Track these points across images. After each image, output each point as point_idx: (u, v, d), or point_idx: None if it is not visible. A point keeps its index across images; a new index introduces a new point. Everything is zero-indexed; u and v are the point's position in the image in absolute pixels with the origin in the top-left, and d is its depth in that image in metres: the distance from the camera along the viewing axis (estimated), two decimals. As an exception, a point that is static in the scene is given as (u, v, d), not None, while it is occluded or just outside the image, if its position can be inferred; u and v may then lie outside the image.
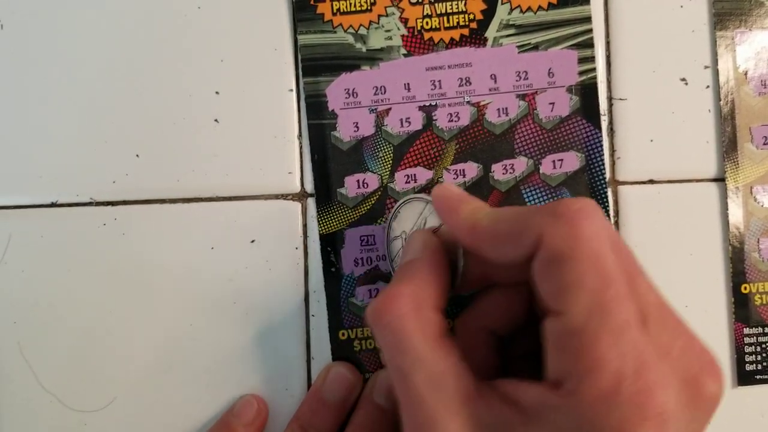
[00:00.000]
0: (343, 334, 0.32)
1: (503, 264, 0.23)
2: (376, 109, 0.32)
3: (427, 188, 0.32)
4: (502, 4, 0.32)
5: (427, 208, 0.29)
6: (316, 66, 0.32)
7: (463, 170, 0.32)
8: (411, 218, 0.30)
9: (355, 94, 0.32)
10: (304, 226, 0.33)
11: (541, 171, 0.32)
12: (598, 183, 0.32)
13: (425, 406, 0.21)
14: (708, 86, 0.33)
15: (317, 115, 0.32)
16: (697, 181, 0.33)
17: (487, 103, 0.32)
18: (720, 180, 0.32)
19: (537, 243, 0.21)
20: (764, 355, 0.32)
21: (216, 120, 0.33)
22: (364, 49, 0.32)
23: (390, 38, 0.32)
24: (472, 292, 0.27)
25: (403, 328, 0.22)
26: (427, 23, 0.32)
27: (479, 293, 0.27)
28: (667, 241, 0.32)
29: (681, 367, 0.20)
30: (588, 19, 0.32)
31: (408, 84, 0.32)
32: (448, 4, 0.32)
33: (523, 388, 0.21)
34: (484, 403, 0.21)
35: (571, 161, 0.32)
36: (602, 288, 0.20)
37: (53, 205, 0.33)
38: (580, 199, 0.21)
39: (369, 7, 0.32)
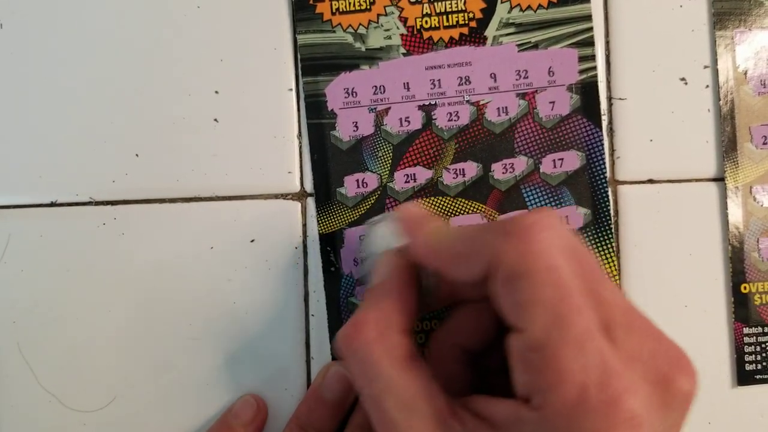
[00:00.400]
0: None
1: (465, 283, 0.23)
2: (375, 108, 0.32)
3: (426, 188, 0.32)
4: (501, 2, 0.32)
5: (395, 226, 0.29)
6: (316, 65, 0.32)
7: (463, 169, 0.32)
8: (379, 238, 0.30)
9: (354, 94, 0.32)
10: (304, 225, 0.33)
11: (541, 170, 0.32)
12: (599, 182, 0.32)
13: (399, 430, 0.21)
14: (707, 86, 0.33)
15: (317, 115, 0.32)
16: (697, 180, 0.33)
17: (487, 102, 0.32)
18: (719, 180, 0.32)
19: (491, 263, 0.21)
20: (764, 354, 0.32)
21: (215, 120, 0.33)
22: (363, 49, 0.32)
23: (389, 37, 0.32)
24: (443, 307, 0.27)
25: (370, 355, 0.22)
26: (426, 22, 0.32)
27: (451, 310, 0.27)
28: (667, 240, 0.32)
29: (651, 369, 0.20)
30: (588, 17, 0.32)
31: (407, 83, 0.32)
32: (448, 3, 0.32)
33: (495, 404, 0.21)
34: (458, 421, 0.21)
35: (572, 160, 0.32)
36: (559, 300, 0.20)
37: (53, 204, 0.33)
38: (534, 212, 0.22)
39: (368, 7, 0.32)
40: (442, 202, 0.32)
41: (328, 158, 0.32)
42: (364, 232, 0.31)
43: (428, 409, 0.21)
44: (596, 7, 0.32)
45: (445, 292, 0.26)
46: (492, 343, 0.26)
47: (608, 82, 0.33)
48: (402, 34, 0.32)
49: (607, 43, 0.33)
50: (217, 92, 0.33)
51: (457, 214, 0.32)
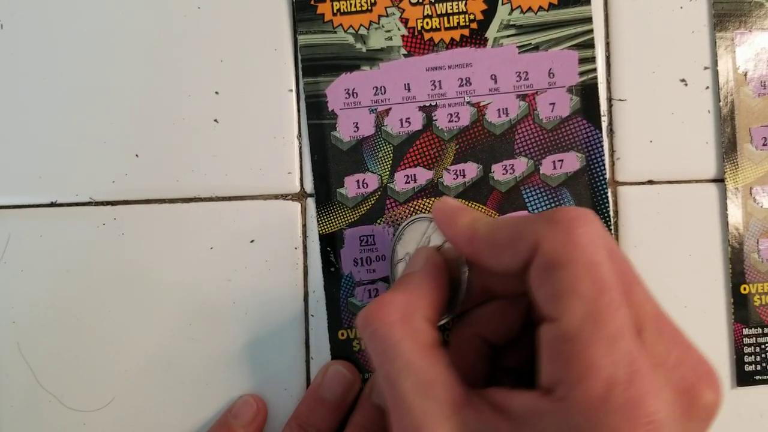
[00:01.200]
0: (343, 334, 0.32)
1: (503, 273, 0.23)
2: (376, 109, 0.32)
3: (426, 188, 0.32)
4: (502, 4, 0.32)
5: (430, 227, 0.29)
6: (316, 66, 0.32)
7: (463, 170, 0.32)
8: (415, 239, 0.30)
9: (355, 95, 0.32)
10: (304, 226, 0.33)
11: (541, 171, 0.32)
12: (599, 183, 0.32)
13: (413, 413, 0.21)
14: (707, 87, 0.33)
15: (317, 115, 0.32)
16: (697, 181, 0.33)
17: (488, 104, 0.32)
18: (719, 181, 0.32)
19: (534, 250, 0.21)
20: (763, 355, 0.32)
21: (215, 120, 0.33)
22: (364, 50, 0.32)
23: (390, 38, 0.32)
24: (474, 305, 0.27)
25: (392, 336, 0.22)
26: (427, 23, 0.32)
27: (478, 305, 0.27)
28: (667, 241, 0.32)
29: (676, 377, 0.20)
30: (588, 20, 0.32)
31: (408, 84, 0.32)
32: (449, 4, 0.32)
33: (513, 395, 0.21)
34: (473, 410, 0.21)
35: (572, 162, 0.32)
36: (597, 295, 0.20)
37: (53, 204, 0.33)
38: (578, 207, 0.22)
39: (369, 8, 0.32)
40: (443, 203, 0.32)
41: (329, 159, 0.32)
42: (398, 235, 0.31)
43: (444, 394, 0.21)
44: (596, 9, 0.32)
45: (478, 289, 0.26)
46: (513, 341, 0.26)
47: (608, 83, 0.33)
48: (403, 35, 0.32)
49: (608, 44, 0.33)
50: (217, 93, 0.33)
51: (457, 214, 0.32)
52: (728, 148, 0.32)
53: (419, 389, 0.21)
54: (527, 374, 0.22)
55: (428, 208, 0.32)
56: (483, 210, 0.32)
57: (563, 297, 0.20)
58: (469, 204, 0.32)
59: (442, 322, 0.26)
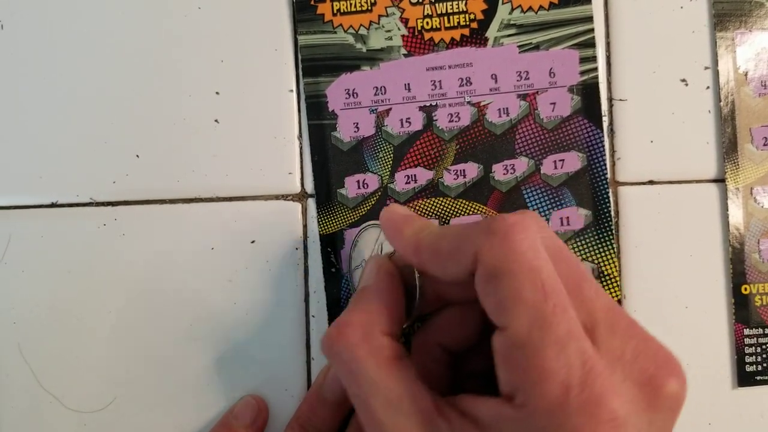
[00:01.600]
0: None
1: (450, 281, 0.23)
2: (376, 109, 0.32)
3: (427, 189, 0.32)
4: (503, 3, 0.32)
5: (382, 233, 0.29)
6: (317, 66, 0.32)
7: (464, 170, 0.32)
8: (368, 246, 0.30)
9: (355, 95, 0.32)
10: (305, 226, 0.33)
11: (542, 171, 0.32)
12: (600, 183, 0.32)
13: (386, 430, 0.21)
14: (708, 87, 0.33)
15: (317, 116, 0.32)
16: (697, 182, 0.33)
17: (488, 103, 0.32)
18: (720, 181, 0.32)
19: (475, 261, 0.21)
20: (764, 356, 0.32)
21: (216, 120, 0.33)
22: (364, 50, 0.32)
23: (390, 38, 0.32)
24: (431, 312, 0.27)
25: (355, 357, 0.23)
26: (427, 23, 0.32)
27: (434, 312, 0.27)
28: (667, 241, 0.32)
29: (635, 370, 0.20)
30: (589, 19, 0.32)
31: (408, 84, 0.32)
32: (449, 4, 0.32)
33: (480, 403, 0.21)
34: (443, 420, 0.21)
35: (573, 161, 0.32)
36: (541, 300, 0.20)
37: (53, 205, 0.33)
38: (517, 212, 0.22)
39: (369, 8, 0.32)
40: (443, 203, 0.32)
41: (329, 159, 0.32)
42: (353, 242, 0.31)
43: (414, 408, 0.22)
44: (597, 9, 0.32)
45: (432, 296, 0.26)
46: (474, 347, 0.26)
47: (609, 83, 0.33)
48: (403, 35, 0.32)
49: (608, 44, 0.33)
50: (217, 93, 0.33)
51: (457, 215, 0.32)
52: (729, 148, 0.32)
53: (388, 406, 0.22)
54: (493, 376, 0.22)
55: (428, 209, 0.32)
56: (484, 210, 0.32)
57: (508, 306, 0.20)
58: (470, 204, 0.32)
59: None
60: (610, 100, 0.33)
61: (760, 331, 0.32)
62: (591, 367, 0.19)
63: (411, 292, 0.26)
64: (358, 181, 0.32)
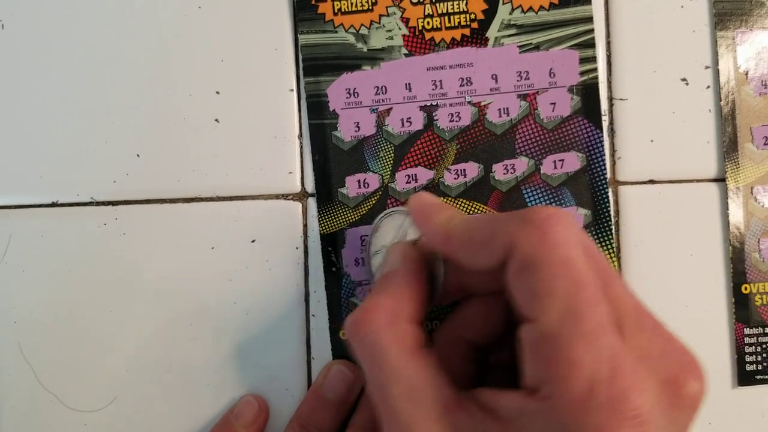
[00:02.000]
0: (344, 334, 0.32)
1: (478, 271, 0.23)
2: (377, 108, 0.32)
3: (427, 188, 0.32)
4: (503, 3, 0.32)
5: (407, 220, 0.29)
6: (317, 66, 0.32)
7: (464, 170, 0.32)
8: (391, 232, 0.30)
9: (356, 94, 0.32)
10: (305, 225, 0.33)
11: (542, 171, 0.32)
12: (599, 183, 0.32)
13: (404, 419, 0.21)
14: (708, 86, 0.33)
15: (318, 115, 0.32)
16: (698, 181, 0.33)
17: (488, 103, 0.32)
18: (720, 180, 0.32)
19: (508, 250, 0.21)
20: (765, 355, 0.32)
21: (216, 120, 0.33)
22: (365, 49, 0.32)
23: (391, 38, 0.32)
24: (451, 302, 0.27)
25: (380, 342, 0.22)
26: (428, 23, 0.32)
27: (458, 304, 0.27)
28: (668, 241, 0.32)
29: (660, 369, 0.20)
30: (589, 19, 0.32)
31: (409, 84, 0.32)
32: (450, 3, 0.32)
33: (501, 396, 0.21)
34: (463, 412, 0.21)
35: (572, 161, 0.32)
36: (574, 293, 0.20)
37: (54, 204, 0.33)
38: (550, 206, 0.22)
39: (370, 7, 0.32)
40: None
41: (330, 158, 0.32)
42: (375, 227, 0.31)
43: (434, 398, 0.21)
44: (597, 9, 0.32)
45: (454, 285, 0.26)
46: (497, 340, 0.26)
47: (609, 82, 0.33)
48: (404, 35, 0.32)
49: (609, 43, 0.33)
50: (218, 92, 0.33)
51: (458, 214, 0.32)
52: (729, 147, 0.32)
53: (408, 395, 0.21)
54: (515, 370, 0.22)
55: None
56: (484, 210, 0.32)
57: (541, 297, 0.20)
58: (471, 204, 0.32)
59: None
60: (611, 99, 0.33)
61: (761, 330, 0.32)
62: (619, 362, 0.19)
63: (435, 279, 0.26)
64: (359, 181, 0.32)
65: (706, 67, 0.33)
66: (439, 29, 0.32)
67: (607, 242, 0.32)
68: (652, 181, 0.33)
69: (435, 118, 0.32)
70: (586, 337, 0.19)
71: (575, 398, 0.19)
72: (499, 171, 0.32)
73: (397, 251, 0.26)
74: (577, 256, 0.20)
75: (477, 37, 0.32)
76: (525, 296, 0.21)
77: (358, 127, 0.32)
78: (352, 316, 0.23)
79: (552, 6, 0.32)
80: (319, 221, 0.32)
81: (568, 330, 0.19)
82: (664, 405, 0.19)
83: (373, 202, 0.32)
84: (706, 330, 0.32)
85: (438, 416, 0.21)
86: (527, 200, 0.32)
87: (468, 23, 0.32)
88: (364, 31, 0.32)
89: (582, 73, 0.32)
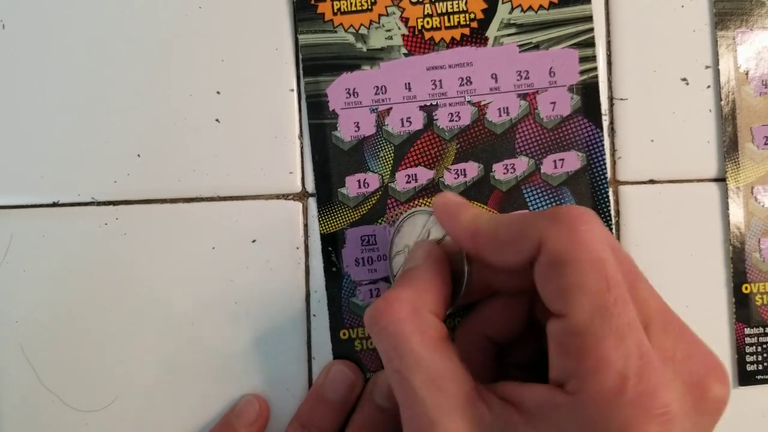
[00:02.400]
0: (344, 334, 0.32)
1: (505, 269, 0.23)
2: (376, 108, 0.32)
3: (427, 188, 0.32)
4: (503, 3, 0.32)
5: (430, 220, 0.29)
6: (317, 66, 0.32)
7: (464, 170, 0.32)
8: (414, 231, 0.30)
9: (355, 94, 0.32)
10: (305, 225, 0.33)
11: (542, 171, 0.32)
12: (600, 183, 0.32)
13: (425, 408, 0.21)
14: (709, 86, 0.33)
15: (318, 115, 0.32)
16: (698, 181, 0.33)
17: (488, 103, 0.32)
18: (721, 180, 0.32)
19: (538, 247, 0.21)
20: (765, 355, 0.32)
21: (217, 120, 0.33)
22: (364, 49, 0.32)
23: (390, 38, 0.32)
24: (473, 301, 0.27)
25: (402, 332, 0.22)
26: (427, 23, 0.32)
27: (479, 301, 0.27)
28: (668, 241, 0.32)
29: (685, 371, 0.20)
30: (589, 18, 0.32)
31: (409, 84, 0.32)
32: (449, 3, 0.32)
33: (526, 389, 0.21)
34: (485, 404, 0.21)
35: (572, 161, 0.32)
36: (604, 290, 0.20)
37: (55, 204, 0.33)
38: (578, 206, 0.22)
39: (369, 7, 0.32)
40: (444, 203, 0.32)
41: (330, 158, 0.32)
42: (397, 227, 0.31)
43: (456, 388, 0.21)
44: (597, 8, 0.32)
45: (477, 284, 0.26)
46: (518, 339, 0.26)
47: (609, 82, 0.33)
48: (403, 35, 0.32)
49: (609, 43, 0.33)
50: (218, 92, 0.33)
51: (458, 214, 0.32)
52: (729, 147, 0.32)
53: (431, 383, 0.21)
54: (534, 369, 0.22)
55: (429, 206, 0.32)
56: (485, 210, 0.32)
57: (571, 293, 0.20)
58: (471, 203, 0.32)
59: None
60: (611, 99, 0.33)
61: (761, 330, 0.32)
62: (648, 360, 0.19)
63: (458, 279, 0.26)
64: (359, 181, 0.32)
65: (707, 67, 0.33)
66: (438, 29, 0.32)
67: (608, 242, 0.32)
68: (652, 181, 0.33)
69: (435, 117, 0.32)
70: (616, 333, 0.19)
71: (604, 393, 0.19)
72: (499, 171, 0.32)
73: (420, 249, 0.26)
74: (606, 255, 0.20)
75: (476, 36, 0.32)
76: (555, 292, 0.21)
77: (358, 127, 0.32)
78: (372, 307, 0.23)
79: (552, 5, 0.32)
80: (320, 221, 0.33)
81: (598, 326, 0.19)
82: (689, 407, 0.19)
83: (373, 202, 0.32)
84: (706, 330, 0.32)
85: (460, 406, 0.21)
86: (527, 200, 0.32)
87: (467, 23, 0.32)
88: (363, 30, 0.32)
89: (582, 73, 0.32)
